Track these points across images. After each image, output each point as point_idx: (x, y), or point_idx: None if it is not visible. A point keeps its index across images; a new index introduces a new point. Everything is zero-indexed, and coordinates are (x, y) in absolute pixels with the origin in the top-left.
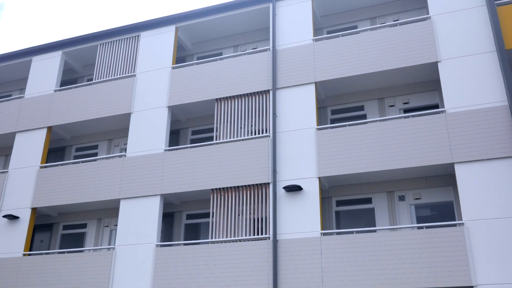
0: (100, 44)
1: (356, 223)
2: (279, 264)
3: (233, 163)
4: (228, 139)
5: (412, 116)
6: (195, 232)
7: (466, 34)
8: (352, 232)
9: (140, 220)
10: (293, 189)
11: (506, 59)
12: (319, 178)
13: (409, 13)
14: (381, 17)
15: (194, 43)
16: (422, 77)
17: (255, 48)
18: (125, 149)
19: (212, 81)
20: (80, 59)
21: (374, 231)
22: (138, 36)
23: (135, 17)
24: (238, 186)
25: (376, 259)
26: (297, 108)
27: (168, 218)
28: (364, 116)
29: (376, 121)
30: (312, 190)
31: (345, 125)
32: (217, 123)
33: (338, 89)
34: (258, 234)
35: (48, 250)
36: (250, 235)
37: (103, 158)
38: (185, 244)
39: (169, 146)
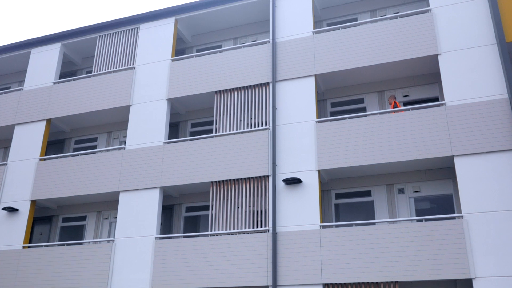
0: (99, 36)
1: (356, 216)
2: (279, 256)
3: (233, 156)
4: (228, 132)
5: (412, 109)
6: (195, 224)
7: (466, 27)
8: (351, 225)
9: (139, 212)
10: (293, 181)
11: (506, 52)
12: (319, 171)
13: (409, 5)
14: (381, 10)
15: (193, 36)
16: (422, 69)
17: (255, 41)
18: (125, 142)
19: (212, 74)
20: (79, 51)
21: (374, 223)
22: (137, 28)
23: (134, 9)
24: (237, 179)
25: (375, 251)
26: (297, 100)
27: (167, 211)
28: (364, 109)
29: (376, 114)
30: (311, 183)
31: (344, 118)
32: (216, 115)
33: (338, 82)
34: (257, 227)
35: (48, 242)
36: (249, 227)
37: (102, 151)
38: (184, 237)
39: (168, 139)
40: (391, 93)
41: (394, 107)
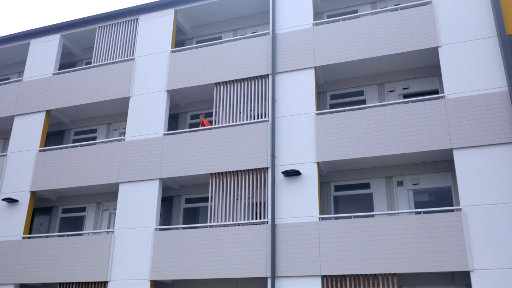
0: (99, 27)
1: (354, 208)
2: (277, 248)
3: (232, 148)
4: (227, 124)
5: (412, 101)
6: (194, 216)
7: (467, 19)
8: (350, 217)
9: (139, 204)
10: (292, 173)
11: (507, 44)
12: (318, 163)
13: None
14: (382, 2)
15: (193, 27)
16: (422, 62)
17: (255, 32)
18: (124, 133)
19: (211, 65)
20: (79, 42)
21: (372, 216)
22: (137, 19)
23: (134, 0)
24: (236, 171)
25: (374, 244)
26: (296, 93)
27: (167, 202)
28: (363, 101)
29: (375, 106)
30: (310, 175)
31: (344, 110)
32: (216, 107)
33: (338, 74)
34: (256, 219)
35: (48, 233)
36: (248, 219)
37: (102, 142)
38: (183, 228)
39: (168, 130)
40: (390, 85)
41: (202, 126)
